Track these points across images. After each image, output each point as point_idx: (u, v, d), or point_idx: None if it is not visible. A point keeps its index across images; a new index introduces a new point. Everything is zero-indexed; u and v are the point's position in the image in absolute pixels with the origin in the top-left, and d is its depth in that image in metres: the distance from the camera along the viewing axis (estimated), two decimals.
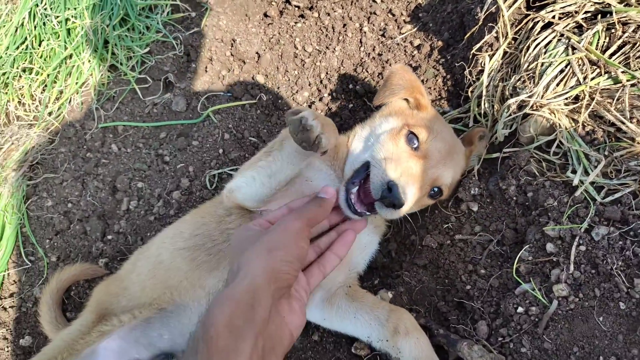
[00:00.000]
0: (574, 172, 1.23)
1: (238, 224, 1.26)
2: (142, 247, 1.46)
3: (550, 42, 1.40)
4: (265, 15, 2.11)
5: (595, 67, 1.32)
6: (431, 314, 1.32)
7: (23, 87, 2.17)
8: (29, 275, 1.81)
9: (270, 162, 1.18)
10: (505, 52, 1.51)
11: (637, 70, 1.27)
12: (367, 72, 1.81)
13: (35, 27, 2.21)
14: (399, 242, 1.52)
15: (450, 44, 1.73)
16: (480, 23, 1.56)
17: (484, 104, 1.47)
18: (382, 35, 1.87)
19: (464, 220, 1.39)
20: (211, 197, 1.68)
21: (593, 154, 1.22)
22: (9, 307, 1.78)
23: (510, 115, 1.37)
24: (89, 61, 2.11)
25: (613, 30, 1.33)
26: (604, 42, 1.34)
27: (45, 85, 2.16)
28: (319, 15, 2.00)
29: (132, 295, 1.31)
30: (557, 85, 1.34)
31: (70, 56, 2.15)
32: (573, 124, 1.30)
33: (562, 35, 1.39)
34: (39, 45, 2.21)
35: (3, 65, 2.18)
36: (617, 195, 1.16)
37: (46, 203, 1.87)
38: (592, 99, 1.28)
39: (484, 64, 1.50)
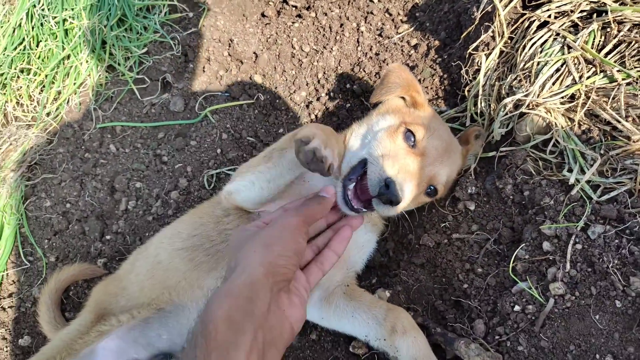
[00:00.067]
0: (570, 170, 1.24)
1: (236, 224, 1.27)
2: (141, 247, 1.46)
3: (546, 41, 1.40)
4: (263, 15, 2.11)
5: (591, 66, 1.32)
6: (428, 312, 1.32)
7: (21, 87, 2.17)
8: (28, 275, 1.82)
9: (270, 168, 1.18)
10: (501, 52, 1.51)
11: (632, 69, 1.27)
12: (365, 71, 1.82)
13: (32, 28, 2.21)
14: (397, 241, 1.53)
15: (447, 43, 1.74)
16: (476, 22, 1.57)
17: (481, 103, 1.48)
18: (379, 34, 1.88)
19: (461, 219, 1.40)
20: (209, 197, 1.68)
21: (589, 153, 1.23)
22: (8, 307, 1.78)
23: (506, 114, 1.37)
24: (87, 62, 2.11)
25: (608, 29, 1.34)
26: (600, 41, 1.35)
27: (43, 86, 2.16)
28: (316, 15, 2.00)
29: (131, 296, 1.32)
30: (553, 84, 1.34)
31: (68, 57, 2.15)
32: (569, 123, 1.30)
33: (557, 34, 1.39)
34: (37, 45, 2.21)
35: (1, 66, 2.18)
36: (613, 194, 1.17)
37: (45, 203, 1.87)
38: (588, 97, 1.28)
39: (481, 63, 1.50)
